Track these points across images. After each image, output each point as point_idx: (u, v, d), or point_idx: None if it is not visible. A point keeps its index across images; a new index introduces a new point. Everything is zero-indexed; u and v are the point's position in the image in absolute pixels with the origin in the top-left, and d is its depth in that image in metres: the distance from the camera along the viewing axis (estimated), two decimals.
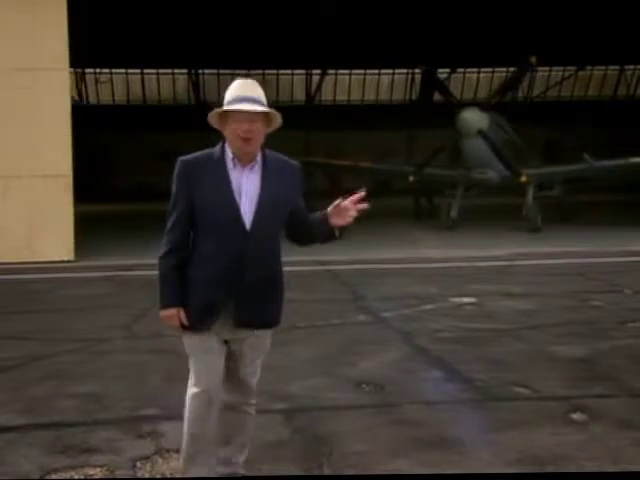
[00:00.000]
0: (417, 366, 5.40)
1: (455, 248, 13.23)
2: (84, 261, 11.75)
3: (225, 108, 2.90)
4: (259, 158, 2.98)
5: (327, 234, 3.05)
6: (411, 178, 16.69)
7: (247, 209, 2.91)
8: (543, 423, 4.07)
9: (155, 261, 3.04)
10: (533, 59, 14.76)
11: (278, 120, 2.98)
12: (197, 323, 2.95)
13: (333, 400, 4.58)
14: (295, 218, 3.07)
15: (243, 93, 2.90)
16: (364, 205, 2.97)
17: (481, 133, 15.48)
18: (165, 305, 2.98)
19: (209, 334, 2.96)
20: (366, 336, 6.44)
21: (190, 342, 3.04)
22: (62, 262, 11.59)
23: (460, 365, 5.36)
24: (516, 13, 21.81)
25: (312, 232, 3.10)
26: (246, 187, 2.93)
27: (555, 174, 17.59)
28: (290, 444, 3.81)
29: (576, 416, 4.16)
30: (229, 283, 2.92)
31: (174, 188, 2.96)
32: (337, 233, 3.02)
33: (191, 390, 3.04)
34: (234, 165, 2.94)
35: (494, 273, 10.41)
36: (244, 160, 2.94)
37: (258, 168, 2.96)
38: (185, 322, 2.94)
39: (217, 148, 2.98)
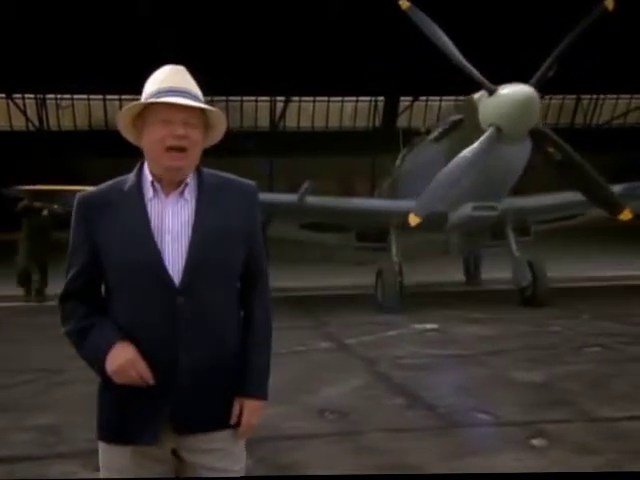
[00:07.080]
0: (380, 393, 5.40)
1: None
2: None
3: (151, 100, 1.95)
4: (192, 180, 2.04)
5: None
6: (414, 219, 8.33)
7: (174, 255, 1.96)
8: (505, 449, 4.11)
9: None
10: (609, 3, 8.98)
11: (220, 130, 2.09)
12: (110, 433, 2.03)
13: (296, 429, 4.55)
14: (244, 272, 2.07)
15: (176, 84, 1.97)
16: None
17: (537, 134, 8.92)
18: (101, 353, 1.97)
19: (136, 447, 1.98)
20: (329, 363, 6.43)
21: (106, 457, 2.06)
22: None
23: (423, 392, 5.39)
24: (476, 43, 22.40)
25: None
26: (171, 222, 1.98)
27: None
28: (252, 474, 3.76)
29: (536, 442, 4.20)
30: (158, 370, 1.95)
31: (71, 236, 2.05)
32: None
33: None
34: (154, 193, 2.00)
35: (456, 299, 10.52)
36: (169, 184, 2.00)
37: (190, 194, 2.02)
38: (145, 374, 1.94)
39: (132, 173, 2.06)
